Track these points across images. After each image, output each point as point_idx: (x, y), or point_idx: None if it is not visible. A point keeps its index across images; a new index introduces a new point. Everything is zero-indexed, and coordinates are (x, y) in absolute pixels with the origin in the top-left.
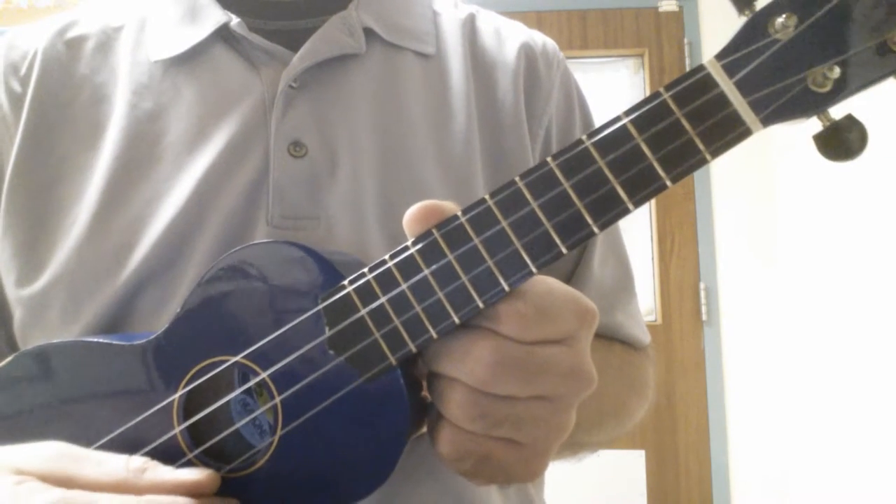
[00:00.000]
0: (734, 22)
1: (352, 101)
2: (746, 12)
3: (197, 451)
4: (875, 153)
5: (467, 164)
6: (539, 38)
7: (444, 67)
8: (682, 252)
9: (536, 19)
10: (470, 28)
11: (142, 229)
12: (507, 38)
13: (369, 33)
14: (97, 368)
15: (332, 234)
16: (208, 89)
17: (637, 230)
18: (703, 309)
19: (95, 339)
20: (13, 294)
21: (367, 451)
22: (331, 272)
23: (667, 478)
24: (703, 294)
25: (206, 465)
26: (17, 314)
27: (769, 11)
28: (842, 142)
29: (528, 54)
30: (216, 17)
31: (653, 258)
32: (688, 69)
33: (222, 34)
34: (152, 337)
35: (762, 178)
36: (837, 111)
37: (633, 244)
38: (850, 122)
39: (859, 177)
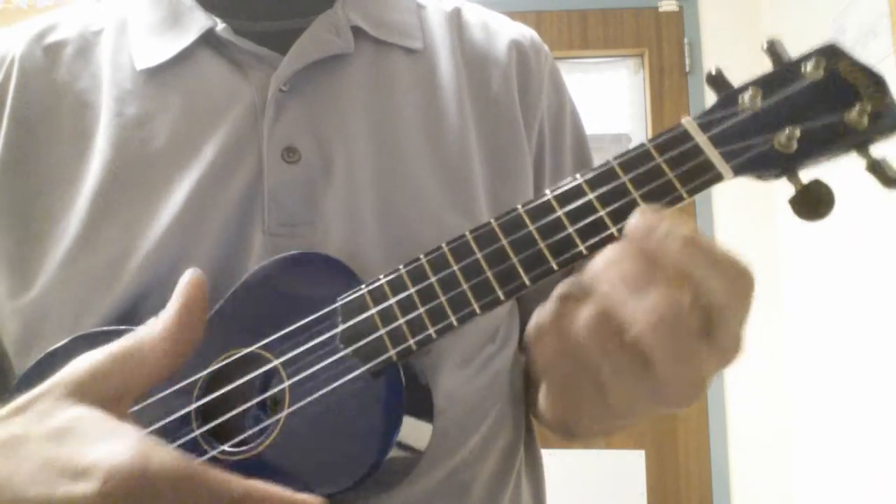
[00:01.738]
0: (734, 22)
1: (343, 103)
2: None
3: (202, 430)
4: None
5: (463, 161)
6: (526, 31)
7: (433, 63)
8: None
9: (536, 19)
10: (457, 22)
11: (135, 241)
12: (497, 31)
13: (357, 31)
14: None
15: (328, 239)
16: (196, 96)
17: None
18: None
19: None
20: (7, 307)
21: (361, 439)
22: (352, 279)
23: (667, 478)
24: None
25: (211, 445)
26: (13, 326)
27: (740, 89)
28: (809, 203)
29: (518, 48)
30: (200, 21)
31: None
32: (687, 69)
33: (207, 38)
34: None
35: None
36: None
37: None
38: (817, 186)
39: (859, 177)
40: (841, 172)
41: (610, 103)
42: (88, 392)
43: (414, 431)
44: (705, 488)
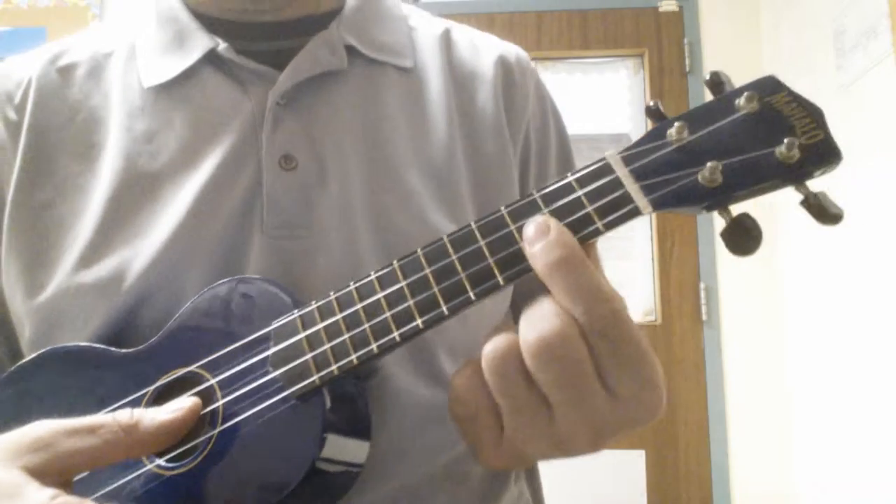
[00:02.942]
0: (734, 22)
1: (337, 115)
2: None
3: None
4: (877, 155)
5: (449, 169)
6: (512, 49)
7: (423, 80)
8: (682, 252)
9: (536, 19)
10: (446, 42)
11: (140, 246)
12: (483, 49)
13: (350, 50)
14: (87, 371)
15: (325, 242)
16: (200, 110)
17: (637, 230)
18: (703, 309)
19: (92, 346)
20: (24, 308)
21: (281, 460)
22: (293, 303)
23: (667, 478)
24: (703, 294)
25: (149, 458)
26: (29, 327)
27: (668, 122)
28: (736, 237)
29: (504, 64)
30: (204, 43)
31: (653, 258)
32: (687, 69)
33: (210, 58)
34: (141, 348)
35: None
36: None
37: (632, 244)
38: (743, 220)
39: (859, 178)
40: (840, 170)
41: (610, 103)
42: (23, 457)
43: (344, 450)
44: (705, 488)
